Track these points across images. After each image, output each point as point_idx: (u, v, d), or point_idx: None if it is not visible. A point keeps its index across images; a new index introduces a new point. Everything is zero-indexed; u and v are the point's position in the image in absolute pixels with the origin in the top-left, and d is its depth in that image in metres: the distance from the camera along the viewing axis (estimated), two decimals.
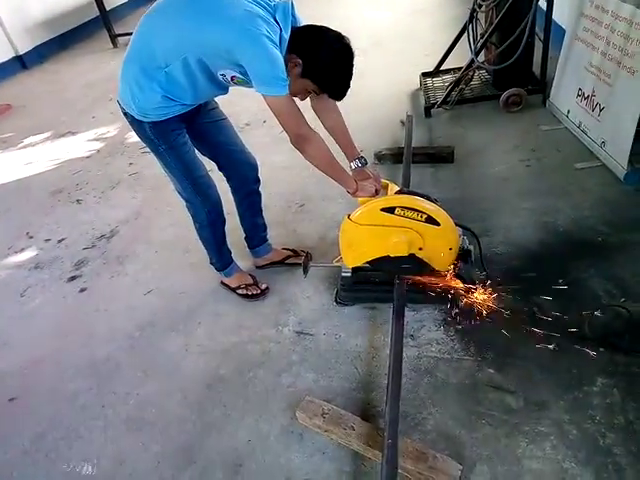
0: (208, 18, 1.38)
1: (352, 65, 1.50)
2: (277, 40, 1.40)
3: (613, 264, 1.85)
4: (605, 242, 1.96)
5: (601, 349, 1.56)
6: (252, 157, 1.94)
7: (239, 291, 2.05)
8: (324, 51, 1.46)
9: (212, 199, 1.82)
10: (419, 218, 1.59)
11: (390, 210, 1.61)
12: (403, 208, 1.59)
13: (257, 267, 2.19)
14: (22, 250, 2.65)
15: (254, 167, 1.95)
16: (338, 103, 1.72)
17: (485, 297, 1.75)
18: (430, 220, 1.59)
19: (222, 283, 2.10)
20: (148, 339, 1.95)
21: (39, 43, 6.16)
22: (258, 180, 1.99)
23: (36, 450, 1.61)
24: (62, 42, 6.53)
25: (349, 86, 1.54)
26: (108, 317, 2.10)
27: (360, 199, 1.70)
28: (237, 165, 1.91)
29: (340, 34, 1.50)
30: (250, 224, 2.09)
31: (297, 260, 2.13)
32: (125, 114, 1.63)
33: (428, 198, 1.66)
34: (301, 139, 1.53)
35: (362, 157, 1.77)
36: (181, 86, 1.52)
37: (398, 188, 1.74)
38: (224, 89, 1.63)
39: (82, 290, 2.28)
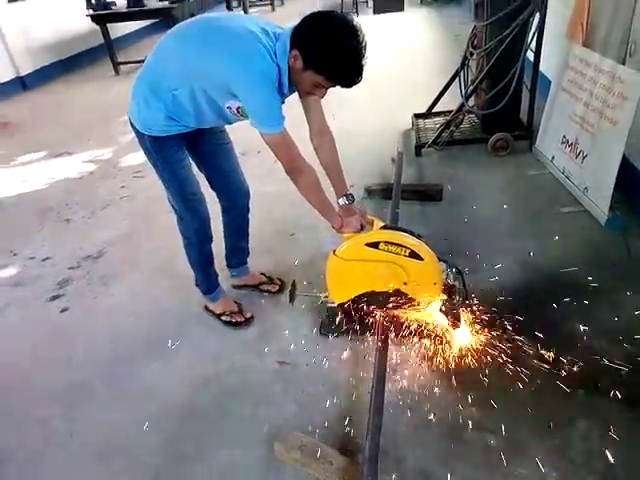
0: (211, 50, 1.43)
1: (357, 44, 1.36)
2: (276, 72, 1.42)
3: (594, 306, 1.87)
4: (587, 284, 1.98)
5: (581, 391, 1.56)
6: (246, 186, 1.98)
7: (223, 318, 2.03)
8: (320, 34, 1.37)
9: (201, 216, 1.84)
10: (403, 253, 1.62)
11: (374, 245, 1.64)
12: (387, 243, 1.63)
13: (232, 286, 2.20)
14: (4, 267, 2.62)
15: (246, 195, 1.99)
16: (335, 135, 1.76)
17: (468, 333, 1.75)
18: (414, 255, 1.62)
19: (206, 308, 2.09)
20: (125, 364, 1.90)
21: (42, 66, 6.27)
22: (248, 209, 2.03)
23: None
24: (65, 66, 6.67)
25: (358, 70, 1.40)
26: (87, 339, 2.06)
27: (345, 234, 1.73)
28: (230, 190, 1.95)
29: (340, 14, 1.39)
30: (233, 244, 2.11)
31: (270, 288, 2.18)
32: (132, 125, 1.68)
33: (412, 233, 1.70)
34: (295, 171, 1.57)
35: (350, 194, 1.80)
36: (186, 110, 1.57)
37: (383, 224, 1.78)
38: (227, 120, 1.67)
39: (63, 310, 2.24)
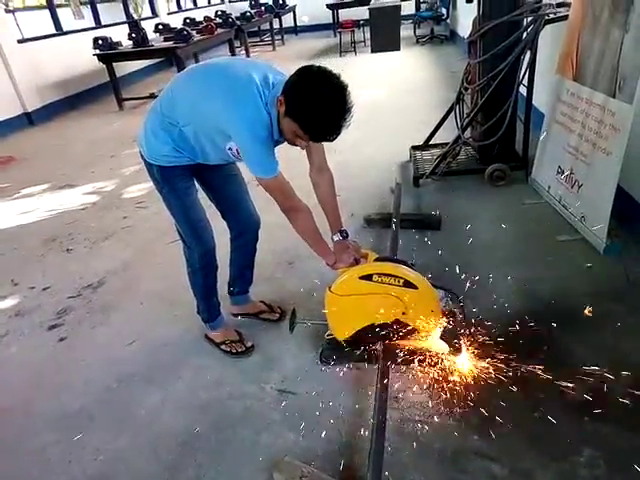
0: (211, 93, 1.49)
1: (334, 104, 1.37)
2: (267, 120, 1.47)
3: (595, 333, 1.87)
4: (588, 312, 1.98)
5: (586, 418, 1.54)
6: (256, 215, 2.00)
7: (223, 347, 2.02)
8: (303, 84, 1.39)
9: (206, 244, 1.85)
10: (397, 283, 1.63)
11: (368, 277, 1.65)
12: (380, 275, 1.64)
13: (232, 314, 2.19)
14: (4, 297, 2.62)
15: (256, 224, 2.00)
16: (333, 168, 1.80)
17: (469, 361, 1.74)
18: (408, 284, 1.63)
19: (206, 337, 2.07)
20: (125, 392, 1.88)
21: (49, 102, 6.44)
22: (257, 238, 2.04)
23: None
24: (72, 102, 6.85)
25: (332, 129, 1.40)
26: (86, 368, 2.04)
27: (339, 270, 1.75)
28: (240, 219, 1.96)
29: (327, 71, 1.40)
30: (238, 273, 2.11)
31: (271, 316, 2.17)
32: (141, 155, 1.73)
33: (404, 263, 1.72)
34: (290, 211, 1.64)
35: (344, 230, 1.84)
36: (191, 146, 1.63)
37: (377, 256, 1.80)
38: (229, 160, 1.71)
39: (62, 339, 2.23)
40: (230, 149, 1.59)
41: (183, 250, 1.91)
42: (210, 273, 1.95)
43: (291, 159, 1.53)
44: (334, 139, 1.44)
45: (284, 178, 1.58)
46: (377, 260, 1.77)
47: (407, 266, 1.71)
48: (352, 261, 1.75)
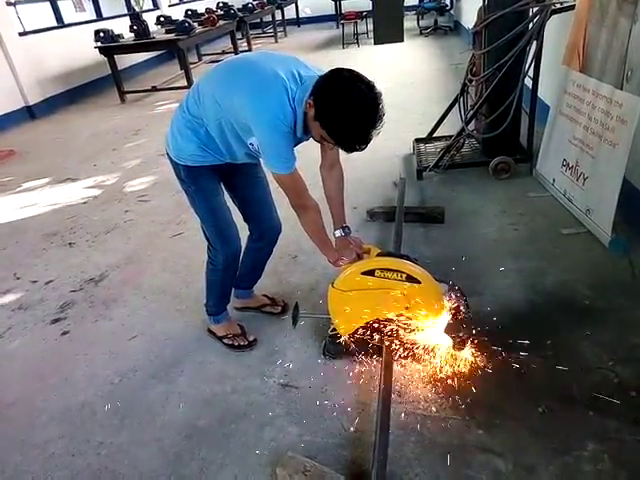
0: (236, 87, 1.48)
1: (365, 115, 1.34)
2: (292, 116, 1.44)
3: (600, 327, 1.86)
4: (592, 305, 1.98)
5: (591, 413, 1.53)
6: (279, 221, 1.97)
7: (225, 340, 2.01)
8: (334, 92, 1.36)
9: (232, 247, 1.83)
10: (399, 278, 1.63)
11: (370, 273, 1.64)
12: (382, 270, 1.63)
13: (234, 307, 2.17)
14: (7, 291, 2.61)
15: (277, 230, 1.98)
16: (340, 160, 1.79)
17: (473, 355, 1.73)
18: (410, 279, 1.63)
19: (209, 331, 2.07)
20: (127, 386, 1.88)
21: (50, 95, 6.42)
22: (275, 243, 2.02)
23: None
24: (73, 96, 6.82)
25: (362, 139, 1.38)
26: (88, 362, 2.04)
27: (342, 266, 1.74)
28: (262, 223, 1.94)
29: (361, 78, 1.36)
30: (249, 270, 2.10)
31: (273, 310, 2.16)
32: (168, 155, 1.73)
33: (407, 258, 1.72)
34: (300, 207, 1.63)
35: (347, 226, 1.84)
36: (216, 144, 1.63)
37: (379, 251, 1.79)
38: (254, 157, 1.69)
39: (64, 333, 2.23)
40: (252, 144, 1.57)
41: (207, 250, 1.88)
42: (232, 274, 1.93)
43: (307, 148, 1.50)
44: (364, 149, 1.41)
45: (299, 175, 1.56)
46: (379, 255, 1.75)
47: (410, 261, 1.69)
48: (354, 257, 1.73)
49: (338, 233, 1.82)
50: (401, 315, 1.67)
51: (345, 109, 1.33)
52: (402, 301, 1.64)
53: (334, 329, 1.82)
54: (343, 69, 1.39)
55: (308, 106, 1.41)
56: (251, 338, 2.01)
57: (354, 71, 1.39)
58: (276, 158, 1.50)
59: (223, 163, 1.71)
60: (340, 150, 1.53)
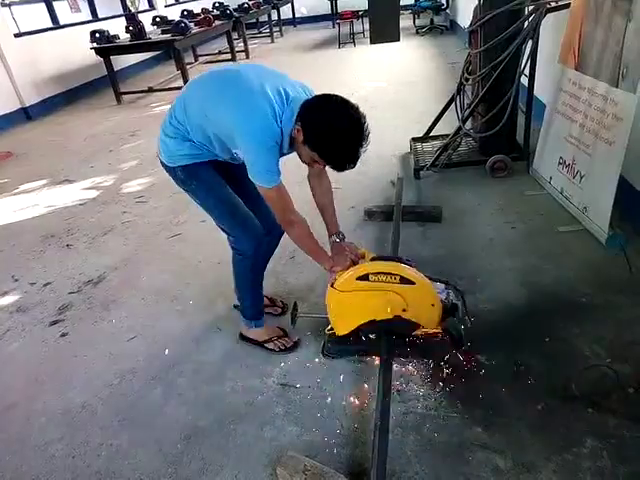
0: (223, 100, 1.49)
1: (353, 136, 1.42)
2: (278, 134, 1.47)
3: (597, 324, 1.86)
4: (589, 303, 1.98)
5: (589, 410, 1.53)
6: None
7: (269, 345, 1.94)
8: (321, 118, 1.42)
9: (254, 228, 1.77)
10: (393, 280, 1.64)
11: (365, 278, 1.66)
12: (376, 274, 1.65)
13: (234, 306, 2.17)
14: (5, 293, 2.61)
15: (281, 228, 1.85)
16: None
17: (470, 353, 1.74)
18: (404, 280, 1.63)
19: (242, 337, 2.01)
20: (127, 387, 1.88)
21: (46, 97, 6.40)
22: (279, 239, 1.94)
23: None
24: (69, 97, 6.81)
25: (351, 158, 1.46)
26: (87, 363, 2.03)
27: (337, 272, 1.74)
28: (269, 216, 1.81)
29: (346, 102, 1.44)
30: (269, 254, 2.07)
31: (273, 311, 2.16)
32: (163, 165, 1.72)
33: (399, 260, 1.72)
34: (287, 223, 1.63)
35: (340, 232, 1.84)
36: (207, 148, 1.63)
37: (373, 255, 1.80)
38: (239, 161, 1.68)
39: (63, 335, 2.22)
40: (236, 153, 1.60)
41: (229, 243, 1.82)
42: (260, 260, 1.87)
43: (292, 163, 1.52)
44: (354, 167, 1.49)
45: (285, 190, 1.56)
46: (373, 260, 1.76)
47: (403, 263, 1.70)
48: (348, 263, 1.73)
49: (333, 239, 1.83)
50: (399, 317, 1.68)
51: (333, 134, 1.41)
52: (399, 303, 1.65)
53: (331, 328, 1.82)
54: (330, 95, 1.47)
55: (296, 131, 1.46)
56: (295, 338, 1.97)
57: (339, 96, 1.46)
58: (262, 172, 1.50)
59: (220, 159, 1.70)
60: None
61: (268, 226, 1.87)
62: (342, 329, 1.79)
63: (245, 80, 1.51)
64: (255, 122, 1.44)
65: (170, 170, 1.71)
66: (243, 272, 1.89)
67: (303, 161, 1.58)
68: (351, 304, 1.71)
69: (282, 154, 1.56)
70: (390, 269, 1.64)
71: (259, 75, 1.54)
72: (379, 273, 1.64)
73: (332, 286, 1.71)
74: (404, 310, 1.67)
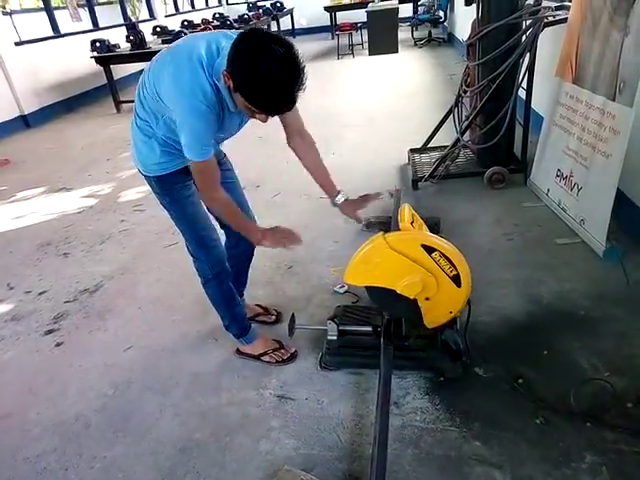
0: (160, 74, 1.41)
1: (284, 73, 1.23)
2: (212, 92, 1.35)
3: (596, 337, 1.86)
4: (587, 315, 1.98)
5: (588, 424, 1.52)
6: (254, 221, 1.92)
7: (265, 358, 1.92)
8: (243, 58, 1.25)
9: (215, 255, 1.78)
10: (448, 272, 1.55)
11: (429, 250, 1.53)
12: (442, 255, 1.53)
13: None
14: (0, 302, 2.59)
15: None
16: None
17: (469, 365, 1.73)
18: (456, 279, 1.56)
19: (239, 352, 1.98)
20: (122, 398, 1.86)
21: (46, 105, 6.42)
22: (253, 248, 1.98)
23: None
24: (68, 105, 6.83)
25: (287, 100, 1.30)
26: (82, 373, 2.01)
27: (403, 224, 1.60)
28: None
29: (274, 36, 1.26)
30: (233, 277, 2.06)
31: (267, 319, 2.14)
32: (139, 171, 1.69)
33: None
34: (209, 200, 1.59)
35: (341, 190, 1.78)
36: (177, 145, 1.53)
37: (421, 222, 1.68)
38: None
39: (58, 344, 2.20)
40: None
41: (193, 263, 1.83)
42: (224, 281, 1.84)
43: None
44: (292, 108, 1.36)
45: (215, 164, 1.49)
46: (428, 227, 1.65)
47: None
48: (281, 242, 1.60)
49: (339, 200, 1.76)
50: (416, 301, 1.58)
51: (259, 74, 1.23)
52: (430, 291, 1.56)
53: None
54: (256, 29, 1.29)
55: (226, 78, 1.31)
56: (292, 350, 1.94)
57: (267, 31, 1.31)
58: (193, 143, 1.40)
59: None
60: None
61: (238, 237, 1.82)
62: (354, 278, 1.65)
63: (177, 47, 1.44)
64: (185, 87, 1.33)
65: (147, 179, 1.68)
66: (212, 293, 1.88)
67: (246, 113, 1.41)
68: (385, 262, 1.57)
69: (232, 115, 1.46)
70: (457, 262, 1.54)
71: (196, 36, 1.46)
72: (445, 257, 1.52)
73: (384, 237, 1.55)
74: (427, 299, 1.58)
